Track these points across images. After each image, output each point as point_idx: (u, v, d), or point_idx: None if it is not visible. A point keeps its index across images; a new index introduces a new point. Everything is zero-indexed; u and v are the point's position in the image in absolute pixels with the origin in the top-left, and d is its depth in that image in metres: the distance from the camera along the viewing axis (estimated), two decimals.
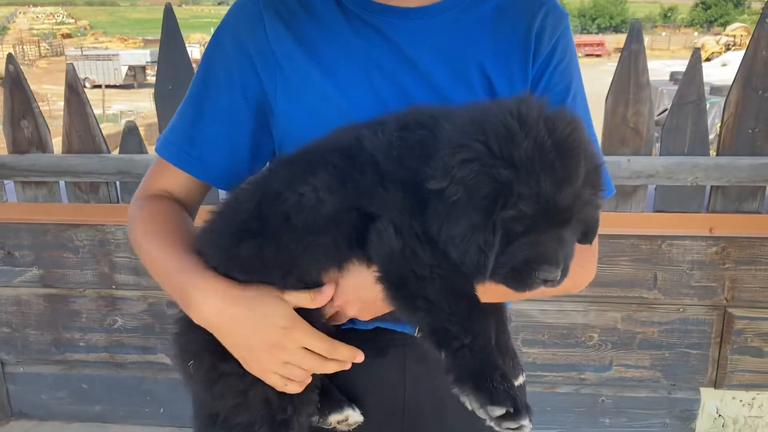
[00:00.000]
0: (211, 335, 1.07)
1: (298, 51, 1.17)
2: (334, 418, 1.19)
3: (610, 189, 1.30)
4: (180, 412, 3.19)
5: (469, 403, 0.98)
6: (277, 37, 1.17)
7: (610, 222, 2.70)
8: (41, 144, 2.93)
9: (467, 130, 0.95)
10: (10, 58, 2.87)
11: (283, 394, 1.08)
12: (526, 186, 0.90)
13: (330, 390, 1.21)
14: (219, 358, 1.07)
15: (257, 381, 1.07)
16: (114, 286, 3.08)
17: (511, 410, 0.95)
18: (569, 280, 1.23)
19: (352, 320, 1.20)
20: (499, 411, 0.95)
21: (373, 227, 1.00)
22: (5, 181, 3.02)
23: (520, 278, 0.95)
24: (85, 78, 43.54)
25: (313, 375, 1.10)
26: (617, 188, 2.67)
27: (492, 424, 0.97)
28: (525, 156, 0.90)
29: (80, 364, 3.22)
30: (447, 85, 1.17)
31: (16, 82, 2.86)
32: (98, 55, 45.75)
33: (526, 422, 0.96)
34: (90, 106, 2.90)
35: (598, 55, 53.19)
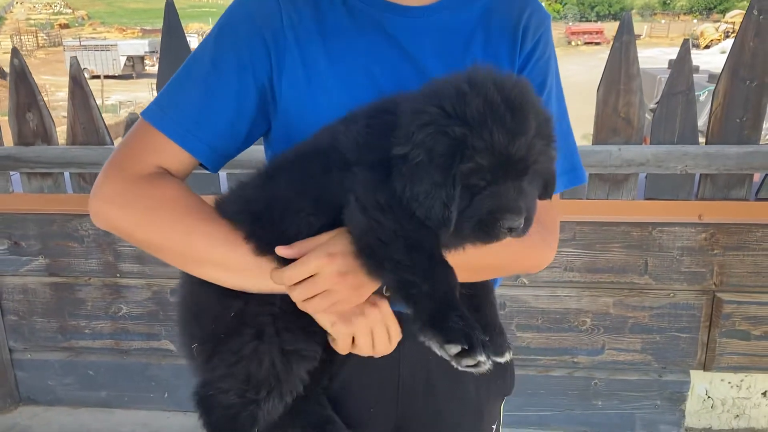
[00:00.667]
0: (217, 325, 1.15)
1: (309, 38, 1.21)
2: None
3: (581, 176, 1.37)
4: (184, 397, 3.25)
5: (432, 345, 1.04)
6: (292, 23, 1.21)
7: (601, 210, 2.78)
8: (46, 136, 2.99)
9: (424, 99, 1.02)
10: (15, 52, 2.93)
11: (263, 377, 1.14)
12: (480, 139, 0.97)
13: (331, 420, 1.26)
14: (219, 342, 1.15)
15: (244, 359, 1.14)
16: (118, 275, 3.16)
17: (466, 347, 1.00)
18: (532, 258, 1.32)
19: None
20: (454, 349, 1.01)
21: (345, 210, 1.06)
22: (11, 173, 3.08)
23: (486, 229, 1.01)
24: (84, 68, 43.41)
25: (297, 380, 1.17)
26: (609, 177, 2.74)
27: (453, 363, 1.03)
28: (476, 112, 0.97)
29: (86, 350, 3.30)
30: (436, 74, 1.23)
31: (21, 75, 2.93)
32: (96, 45, 45.60)
33: (482, 358, 1.00)
34: (93, 98, 2.96)
35: (597, 43, 52.99)
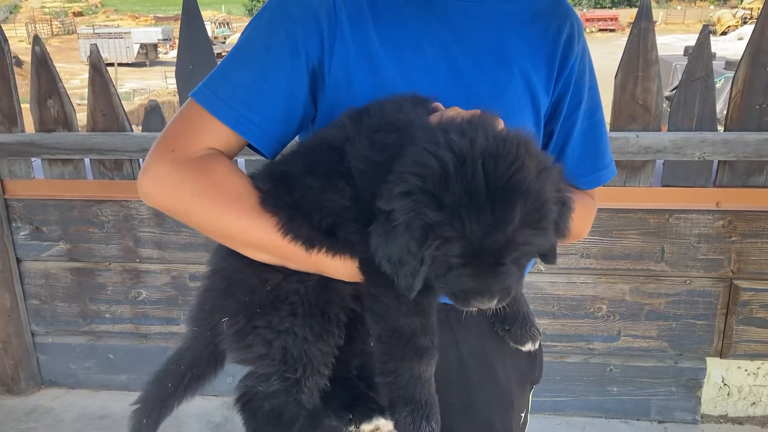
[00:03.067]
0: (251, 297, 1.17)
1: (361, 18, 1.22)
2: (366, 428, 1.24)
3: (614, 170, 1.42)
4: None
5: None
6: (345, 3, 1.21)
7: (618, 197, 2.78)
8: (67, 123, 3.03)
9: (412, 161, 0.98)
10: (37, 40, 2.96)
11: (298, 354, 1.17)
12: (451, 229, 0.93)
13: (363, 396, 1.27)
14: (254, 316, 1.17)
15: (281, 333, 1.16)
16: (138, 260, 3.20)
17: None
18: (582, 228, 1.41)
19: None
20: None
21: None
22: (33, 159, 3.12)
23: (459, 301, 1.02)
24: None
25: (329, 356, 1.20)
26: (626, 163, 2.74)
27: None
28: (453, 199, 0.93)
29: (106, 334, 3.35)
30: (491, 67, 1.25)
31: (42, 62, 2.96)
32: (110, 33, 45.79)
33: None
34: (113, 85, 2.99)
35: (611, 30, 52.57)
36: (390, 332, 1.11)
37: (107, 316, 3.31)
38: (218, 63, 1.30)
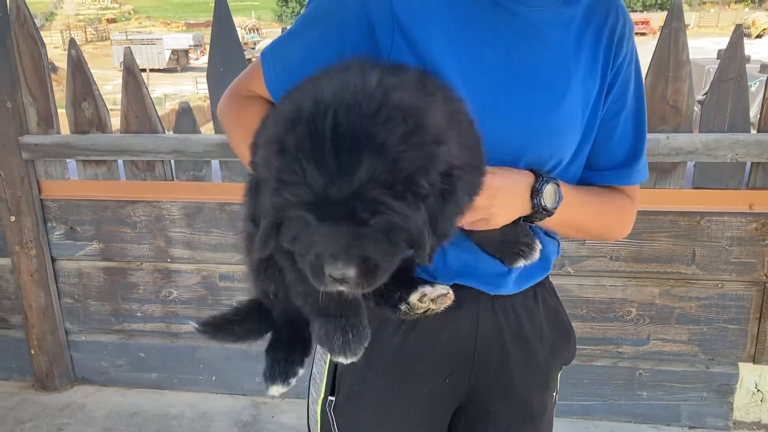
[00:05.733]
0: None
1: (419, 18, 1.20)
2: (413, 298, 1.22)
3: (646, 172, 1.42)
4: (231, 380, 3.36)
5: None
6: (402, 1, 1.20)
7: (648, 199, 2.75)
8: (101, 124, 3.09)
9: (283, 112, 0.97)
10: (73, 43, 3.04)
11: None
12: (291, 173, 0.90)
13: (403, 277, 1.22)
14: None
15: None
16: (169, 260, 3.25)
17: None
18: (607, 228, 1.43)
19: (432, 275, 1.30)
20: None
21: None
22: (68, 160, 3.19)
23: (314, 272, 0.95)
24: None
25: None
26: (657, 165, 2.71)
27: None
28: (295, 144, 0.90)
29: (137, 333, 3.41)
30: (550, 76, 1.25)
31: (77, 65, 3.03)
32: (142, 39, 46.50)
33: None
34: (146, 87, 3.05)
35: (643, 34, 51.96)
36: (287, 254, 1.07)
37: (138, 315, 3.37)
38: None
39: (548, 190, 1.22)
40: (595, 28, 1.29)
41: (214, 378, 3.40)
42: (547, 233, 1.39)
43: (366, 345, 1.15)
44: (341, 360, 1.13)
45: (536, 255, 1.25)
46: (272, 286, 1.27)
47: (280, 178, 0.90)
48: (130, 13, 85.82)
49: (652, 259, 2.87)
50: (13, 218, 3.19)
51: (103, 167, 3.15)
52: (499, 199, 1.16)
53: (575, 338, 1.53)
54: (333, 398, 1.40)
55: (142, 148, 3.03)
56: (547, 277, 1.48)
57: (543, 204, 1.21)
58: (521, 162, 1.23)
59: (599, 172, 1.38)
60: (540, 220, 1.25)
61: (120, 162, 3.15)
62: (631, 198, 1.42)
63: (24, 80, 3.07)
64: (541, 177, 1.22)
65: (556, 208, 1.24)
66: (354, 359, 1.12)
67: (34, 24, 3.04)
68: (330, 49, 1.20)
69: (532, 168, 1.23)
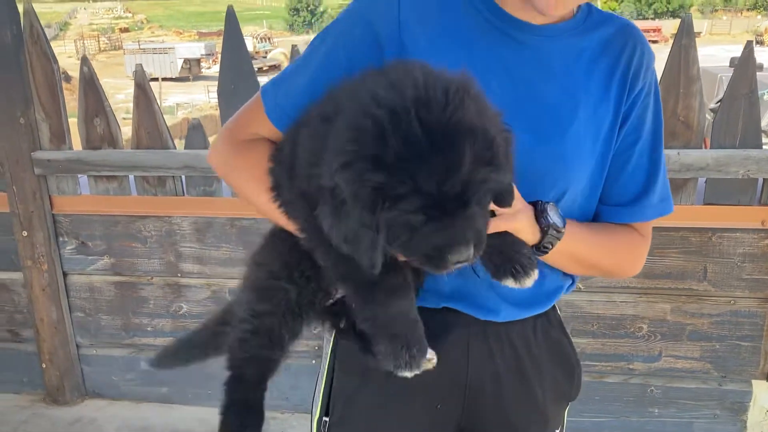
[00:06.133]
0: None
1: (426, 44, 1.22)
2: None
3: (671, 206, 1.38)
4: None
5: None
6: (409, 28, 1.22)
7: None
8: (112, 140, 3.11)
9: (343, 130, 0.94)
10: (85, 60, 3.06)
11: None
12: (401, 185, 0.89)
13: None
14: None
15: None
16: (179, 275, 3.26)
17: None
18: (616, 265, 1.39)
19: (422, 298, 1.31)
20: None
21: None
22: (79, 176, 3.21)
23: (435, 263, 0.98)
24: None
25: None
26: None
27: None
28: (394, 155, 0.89)
29: (148, 347, 3.41)
30: (556, 105, 1.24)
31: (89, 82, 3.05)
32: (155, 48, 46.85)
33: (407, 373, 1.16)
34: (157, 103, 3.07)
35: (654, 41, 51.84)
36: (354, 288, 1.13)
37: (149, 329, 3.37)
38: (258, 80, 1.43)
39: (551, 207, 1.22)
40: (609, 58, 1.28)
41: None
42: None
43: (427, 356, 1.20)
44: (406, 374, 1.15)
45: (528, 282, 1.18)
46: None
47: (391, 194, 0.90)
48: (143, 23, 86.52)
49: (663, 276, 2.85)
50: (25, 233, 3.21)
51: (115, 183, 3.17)
52: (521, 204, 1.18)
53: (581, 374, 1.50)
54: (327, 419, 1.42)
55: (153, 164, 3.04)
56: (554, 309, 1.46)
57: (551, 221, 1.20)
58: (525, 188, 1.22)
59: (611, 207, 1.35)
60: (552, 243, 1.22)
61: (131, 177, 3.17)
62: (643, 234, 1.39)
63: (37, 96, 3.09)
64: (539, 202, 1.22)
65: (564, 227, 1.22)
66: (418, 371, 1.16)
67: (47, 41, 3.07)
68: (337, 72, 1.20)
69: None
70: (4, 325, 3.49)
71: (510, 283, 1.17)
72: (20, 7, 3.08)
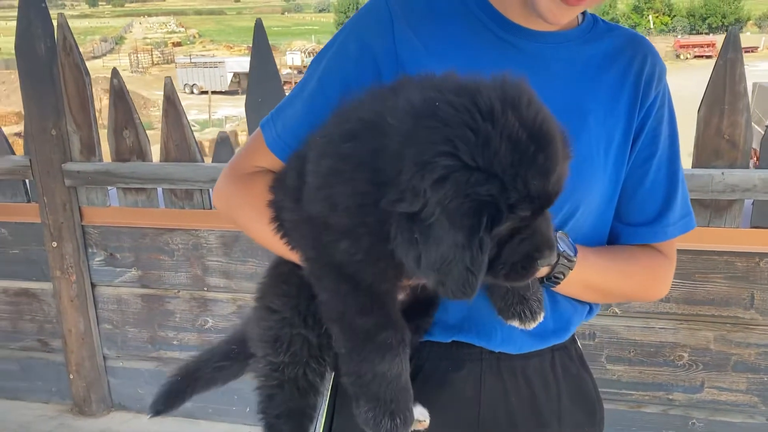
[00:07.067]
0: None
1: (423, 53, 1.18)
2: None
3: (693, 222, 1.30)
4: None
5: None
6: (404, 39, 1.18)
7: (701, 238, 2.58)
8: (141, 153, 3.11)
9: (427, 139, 0.84)
10: (115, 73, 3.07)
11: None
12: (515, 193, 0.83)
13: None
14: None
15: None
16: (206, 288, 3.23)
17: None
18: (638, 289, 1.31)
19: (430, 332, 1.25)
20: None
21: None
22: (109, 187, 3.22)
23: (522, 272, 0.92)
24: (194, 84, 45.67)
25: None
26: (710, 203, 2.55)
27: None
28: (506, 162, 0.82)
29: (173, 361, 3.38)
30: (561, 115, 1.17)
31: (119, 94, 3.06)
32: (205, 62, 47.90)
33: None
34: (186, 117, 3.05)
35: (708, 57, 50.69)
36: (346, 334, 1.05)
37: (175, 342, 3.35)
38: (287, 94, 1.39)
39: (560, 236, 1.14)
40: (618, 69, 1.23)
41: (248, 409, 3.34)
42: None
43: (417, 417, 1.13)
44: None
45: (532, 324, 1.12)
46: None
47: (506, 203, 0.83)
48: (194, 37, 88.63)
49: (705, 302, 2.69)
50: (54, 244, 3.22)
51: (143, 195, 3.16)
52: None
53: (602, 414, 1.40)
54: None
55: (180, 177, 3.03)
56: (574, 341, 1.37)
57: (561, 250, 1.13)
58: None
59: (630, 227, 1.28)
60: (564, 273, 1.15)
61: (159, 190, 3.16)
62: (666, 254, 1.30)
63: (68, 108, 3.11)
64: None
65: (575, 255, 1.15)
66: None
67: (80, 53, 3.08)
68: (334, 93, 1.17)
69: None
70: (34, 334, 3.51)
71: (515, 323, 1.12)
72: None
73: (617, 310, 2.78)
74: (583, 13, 1.27)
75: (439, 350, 1.23)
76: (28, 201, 3.30)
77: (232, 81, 45.53)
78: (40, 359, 3.54)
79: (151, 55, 63.63)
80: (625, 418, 2.87)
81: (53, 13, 3.08)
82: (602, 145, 1.20)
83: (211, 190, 3.06)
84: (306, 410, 1.25)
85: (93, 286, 3.35)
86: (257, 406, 1.28)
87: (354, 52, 1.20)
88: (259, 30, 2.85)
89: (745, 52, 2.51)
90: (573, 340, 1.35)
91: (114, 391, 3.52)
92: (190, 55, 57.16)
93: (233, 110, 35.88)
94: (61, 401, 3.56)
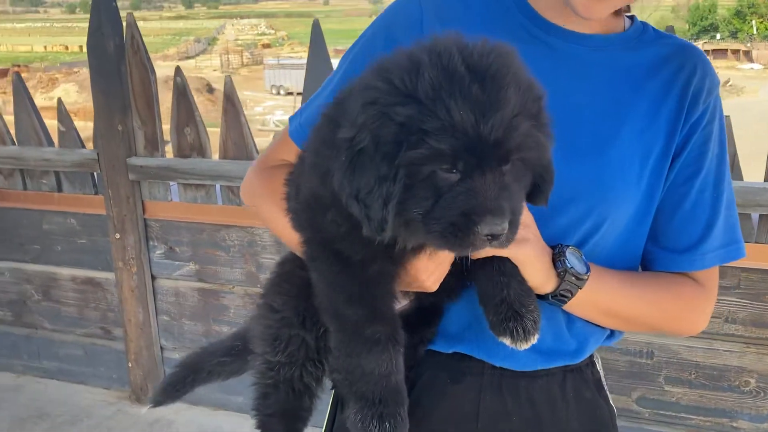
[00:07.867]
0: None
1: None
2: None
3: (742, 250, 1.19)
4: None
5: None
6: (431, 24, 1.16)
7: None
8: (201, 149, 3.17)
9: (376, 72, 0.85)
10: (178, 71, 3.14)
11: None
12: (433, 118, 0.78)
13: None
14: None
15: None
16: (259, 285, 3.25)
17: None
18: (667, 320, 1.21)
19: (432, 341, 1.20)
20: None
21: None
22: (170, 183, 3.30)
23: (459, 235, 0.82)
24: (280, 86, 46.71)
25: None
26: None
27: None
28: (429, 85, 0.78)
29: None
30: (595, 120, 1.13)
31: (182, 93, 3.13)
32: (293, 64, 48.81)
33: None
34: (244, 116, 3.10)
35: None
36: (335, 324, 1.02)
37: None
38: None
39: (571, 251, 1.07)
40: (662, 79, 1.14)
41: None
42: None
43: None
44: None
45: (524, 345, 1.03)
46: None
47: (419, 127, 0.79)
48: (284, 39, 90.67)
49: None
50: (117, 235, 3.33)
51: (202, 191, 3.22)
52: (534, 232, 1.06)
53: None
54: None
55: (237, 174, 3.06)
56: (592, 364, 1.26)
57: (569, 266, 1.05)
58: (557, 215, 1.08)
59: (666, 252, 1.18)
60: (571, 291, 1.07)
61: (217, 187, 3.21)
62: (703, 284, 1.19)
63: (134, 105, 3.21)
64: (559, 245, 1.07)
65: (587, 274, 1.06)
66: None
67: (146, 51, 3.17)
68: None
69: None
70: (98, 322, 3.64)
71: (507, 341, 1.03)
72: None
73: None
74: (632, 19, 1.21)
75: (440, 360, 1.18)
76: (96, 193, 3.43)
77: None
78: (102, 346, 3.67)
79: (241, 56, 65.47)
80: None
81: (149, 14, 3.20)
82: (637, 159, 1.12)
83: None
84: (299, 412, 1.22)
85: (153, 278, 3.45)
86: (252, 403, 1.27)
87: (380, 46, 1.17)
88: (316, 29, 2.86)
89: None
90: (590, 362, 1.26)
91: None
92: (278, 57, 58.46)
93: None
94: (121, 388, 3.68)
